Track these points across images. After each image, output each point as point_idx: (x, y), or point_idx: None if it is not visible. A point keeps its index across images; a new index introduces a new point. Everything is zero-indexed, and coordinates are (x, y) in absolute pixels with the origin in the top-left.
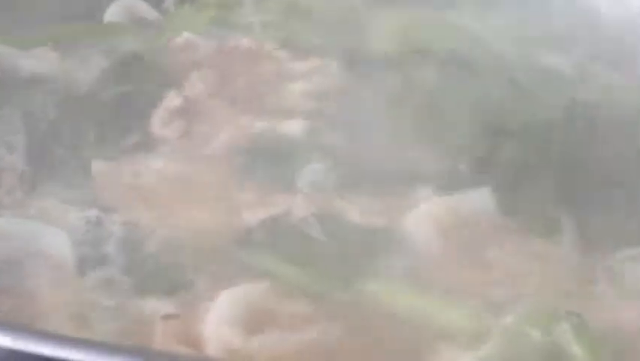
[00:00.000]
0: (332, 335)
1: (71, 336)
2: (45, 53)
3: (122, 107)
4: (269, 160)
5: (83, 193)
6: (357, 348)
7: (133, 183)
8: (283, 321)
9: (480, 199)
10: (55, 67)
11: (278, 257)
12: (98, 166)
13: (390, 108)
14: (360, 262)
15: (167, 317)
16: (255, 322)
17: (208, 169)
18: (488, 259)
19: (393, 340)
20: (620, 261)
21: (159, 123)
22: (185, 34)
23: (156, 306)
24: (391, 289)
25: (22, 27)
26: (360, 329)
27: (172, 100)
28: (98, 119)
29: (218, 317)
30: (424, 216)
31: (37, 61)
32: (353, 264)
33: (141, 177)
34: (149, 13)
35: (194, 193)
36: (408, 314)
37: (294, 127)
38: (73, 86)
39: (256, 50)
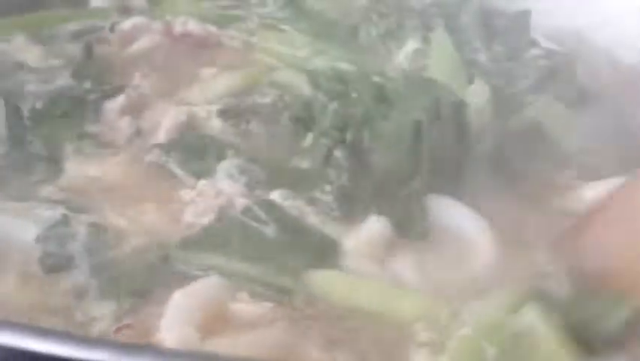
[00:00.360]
0: (293, 335)
1: (74, 334)
2: (24, 41)
3: (80, 103)
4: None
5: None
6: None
7: (94, 183)
8: (240, 321)
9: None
10: (34, 56)
11: (229, 256)
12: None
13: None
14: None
15: (120, 328)
16: (210, 323)
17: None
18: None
19: (357, 340)
20: None
21: (109, 121)
22: (132, 20)
23: (110, 312)
24: (347, 284)
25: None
26: (321, 327)
27: (119, 98)
28: (68, 114)
29: (173, 320)
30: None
31: (17, 49)
32: (304, 257)
33: (102, 177)
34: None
35: (143, 193)
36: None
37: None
38: (48, 79)
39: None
